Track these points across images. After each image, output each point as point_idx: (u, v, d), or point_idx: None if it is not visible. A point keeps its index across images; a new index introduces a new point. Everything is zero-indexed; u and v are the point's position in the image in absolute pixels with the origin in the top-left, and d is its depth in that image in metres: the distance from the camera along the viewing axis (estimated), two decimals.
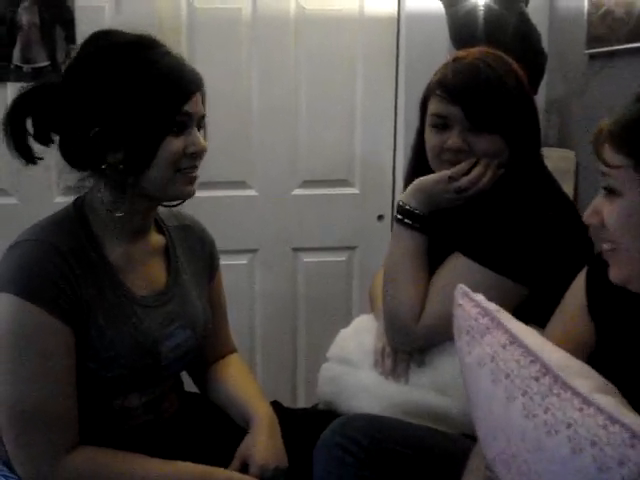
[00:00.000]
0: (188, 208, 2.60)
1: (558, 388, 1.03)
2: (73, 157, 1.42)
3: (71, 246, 1.40)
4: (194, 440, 1.57)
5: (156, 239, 1.57)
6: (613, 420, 0.97)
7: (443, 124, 1.60)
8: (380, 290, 1.75)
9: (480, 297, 1.23)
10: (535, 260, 1.53)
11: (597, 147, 1.14)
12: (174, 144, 1.40)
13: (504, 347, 1.13)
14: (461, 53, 1.66)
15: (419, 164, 1.70)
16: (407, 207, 1.62)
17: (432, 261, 1.63)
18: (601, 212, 1.15)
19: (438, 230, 1.64)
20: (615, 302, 1.24)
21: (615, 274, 1.17)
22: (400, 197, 1.65)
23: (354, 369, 1.68)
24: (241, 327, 2.82)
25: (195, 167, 1.45)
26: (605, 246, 1.17)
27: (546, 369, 1.06)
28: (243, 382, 1.68)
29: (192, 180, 1.46)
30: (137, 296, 1.47)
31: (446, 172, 1.58)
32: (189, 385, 1.76)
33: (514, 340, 1.13)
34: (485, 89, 1.55)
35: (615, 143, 1.10)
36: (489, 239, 1.56)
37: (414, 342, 1.60)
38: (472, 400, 1.21)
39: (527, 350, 1.10)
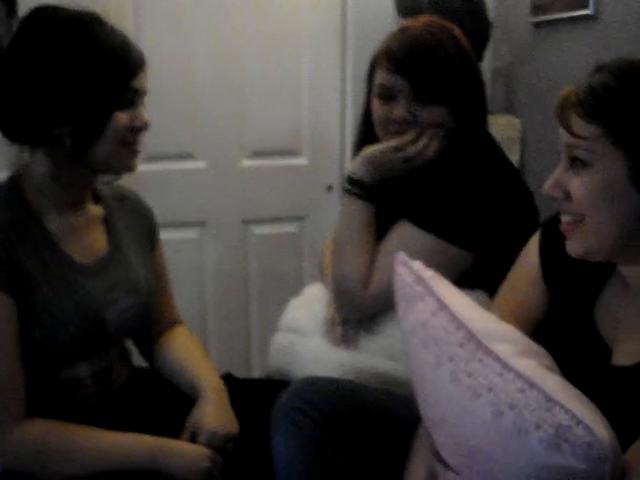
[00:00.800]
0: (137, 181, 2.57)
1: (481, 353, 1.06)
2: (16, 131, 1.42)
3: (8, 217, 1.40)
4: (144, 411, 1.57)
5: (94, 209, 1.57)
6: (530, 384, 0.99)
7: (389, 95, 1.60)
8: (329, 260, 1.76)
9: (417, 264, 1.24)
10: (480, 226, 1.55)
11: (563, 117, 1.11)
12: (121, 119, 1.41)
13: (434, 314, 1.14)
14: (407, 23, 1.66)
15: (367, 133, 1.71)
16: (354, 177, 1.63)
17: (379, 230, 1.65)
18: (564, 184, 1.12)
19: (385, 199, 1.65)
20: (568, 265, 1.24)
21: (574, 248, 1.15)
22: (348, 167, 1.66)
23: (305, 338, 1.70)
24: (192, 300, 2.81)
25: (138, 142, 1.48)
26: (567, 218, 1.15)
27: (470, 335, 1.08)
28: (190, 353, 1.68)
29: (136, 154, 1.49)
30: (78, 263, 1.48)
31: (392, 142, 1.59)
32: (137, 360, 1.76)
33: (443, 306, 1.14)
34: (430, 60, 1.56)
35: (586, 113, 1.07)
36: (434, 206, 1.57)
37: (362, 310, 1.62)
38: (409, 366, 1.23)
39: (453, 317, 1.12)
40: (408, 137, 1.58)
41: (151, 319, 1.66)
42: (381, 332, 1.62)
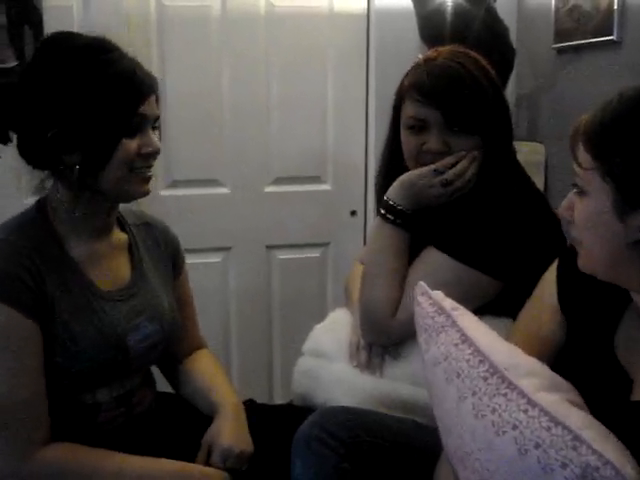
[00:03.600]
0: (161, 207, 2.62)
1: (505, 388, 1.04)
2: (31, 157, 1.44)
3: (34, 244, 1.41)
4: (166, 436, 1.57)
5: (119, 236, 1.59)
6: (556, 422, 0.97)
7: (421, 126, 1.60)
8: (355, 284, 1.76)
9: (438, 294, 1.23)
10: (508, 254, 1.54)
11: (573, 145, 1.14)
12: (129, 145, 1.42)
13: (456, 346, 1.14)
14: (431, 53, 1.65)
15: (392, 164, 1.71)
16: (391, 202, 1.62)
17: (410, 257, 1.64)
18: (573, 207, 1.15)
19: (417, 225, 1.65)
20: (586, 294, 1.25)
21: (581, 264, 1.18)
22: (387, 193, 1.64)
23: (329, 362, 1.69)
24: (216, 325, 2.82)
25: (150, 167, 1.48)
26: (572, 239, 1.19)
27: (494, 369, 1.07)
28: (210, 374, 1.70)
29: (147, 179, 1.49)
30: (102, 291, 1.49)
31: (431, 165, 1.59)
32: (163, 386, 1.77)
33: (466, 339, 1.13)
34: (461, 91, 1.56)
35: (586, 144, 1.10)
36: (463, 233, 1.57)
37: (388, 337, 1.61)
38: (431, 397, 1.22)
39: (477, 349, 1.11)
40: (448, 160, 1.58)
41: (175, 344, 1.67)
42: (405, 358, 1.61)
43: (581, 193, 1.13)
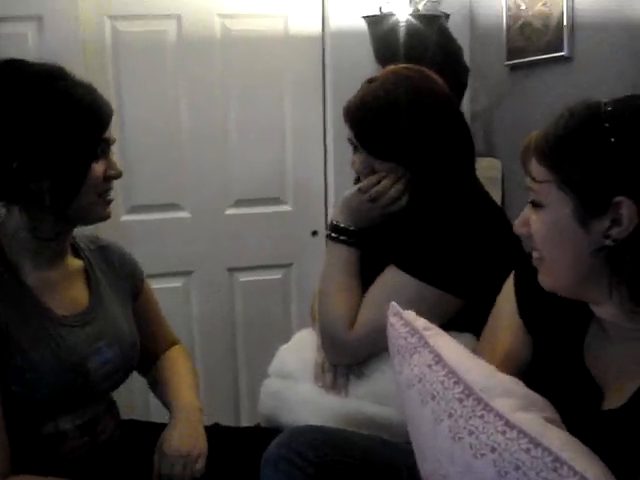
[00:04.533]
0: (122, 232, 2.60)
1: (481, 410, 1.04)
2: None
3: None
4: (130, 464, 1.56)
5: (73, 262, 1.58)
6: (535, 443, 0.97)
7: (354, 146, 1.66)
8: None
9: (410, 315, 1.24)
10: (469, 271, 1.55)
11: (524, 160, 1.16)
12: (97, 170, 1.44)
13: (430, 367, 1.13)
14: (377, 74, 1.68)
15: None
16: (335, 222, 1.67)
17: (368, 276, 1.65)
18: (529, 222, 1.17)
19: (373, 245, 1.67)
20: (548, 307, 1.26)
21: (543, 281, 1.20)
22: (332, 214, 1.68)
23: (295, 383, 1.69)
24: None
25: (111, 190, 1.51)
26: (534, 254, 1.19)
27: (469, 390, 1.07)
28: (174, 376, 1.71)
29: (109, 203, 1.52)
30: (59, 316, 1.47)
31: (357, 185, 1.65)
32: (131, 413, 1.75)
33: (439, 360, 1.13)
34: (376, 118, 1.58)
35: (540, 157, 1.12)
36: (422, 252, 1.58)
37: (347, 354, 1.62)
38: (406, 420, 1.21)
39: (451, 370, 1.11)
40: (370, 180, 1.62)
41: (147, 349, 1.69)
42: (369, 377, 1.61)
43: (537, 206, 1.14)
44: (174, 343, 1.83)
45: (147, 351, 1.70)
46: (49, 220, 1.44)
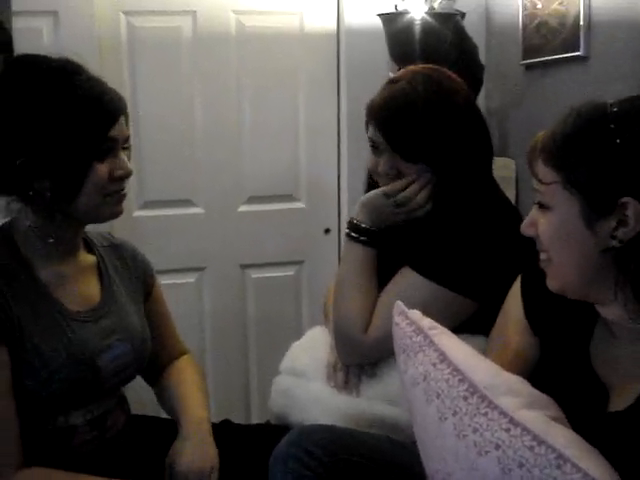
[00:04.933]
0: (135, 228, 2.60)
1: (485, 407, 1.04)
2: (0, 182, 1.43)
3: None
4: (140, 458, 1.56)
5: (86, 258, 1.58)
6: (539, 440, 0.97)
7: (375, 147, 1.63)
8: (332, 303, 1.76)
9: (416, 314, 1.23)
10: (483, 274, 1.54)
11: (531, 161, 1.17)
12: (101, 170, 1.42)
13: (435, 366, 1.13)
14: (396, 75, 1.66)
15: (371, 183, 1.72)
16: (354, 221, 1.65)
17: (384, 276, 1.64)
18: (536, 224, 1.17)
19: (389, 246, 1.66)
20: (554, 308, 1.26)
21: (550, 284, 1.20)
22: (346, 210, 1.67)
23: (306, 381, 1.68)
24: (191, 346, 2.75)
25: (123, 188, 1.48)
26: (542, 256, 1.20)
27: (474, 388, 1.07)
28: (182, 387, 1.68)
29: (121, 200, 1.49)
30: (71, 312, 1.47)
31: (383, 189, 1.61)
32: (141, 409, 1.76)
33: (444, 358, 1.13)
34: (405, 118, 1.56)
35: (546, 158, 1.13)
36: (437, 254, 1.57)
37: (360, 354, 1.61)
38: (412, 418, 1.21)
39: (456, 369, 1.11)
40: (398, 185, 1.60)
41: (154, 357, 1.67)
42: (381, 378, 1.61)
43: (544, 208, 1.15)
44: (183, 353, 1.80)
45: (155, 358, 1.68)
46: (57, 219, 1.44)
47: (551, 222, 1.14)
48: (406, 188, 1.59)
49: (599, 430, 1.07)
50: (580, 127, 1.10)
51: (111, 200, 1.46)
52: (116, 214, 1.50)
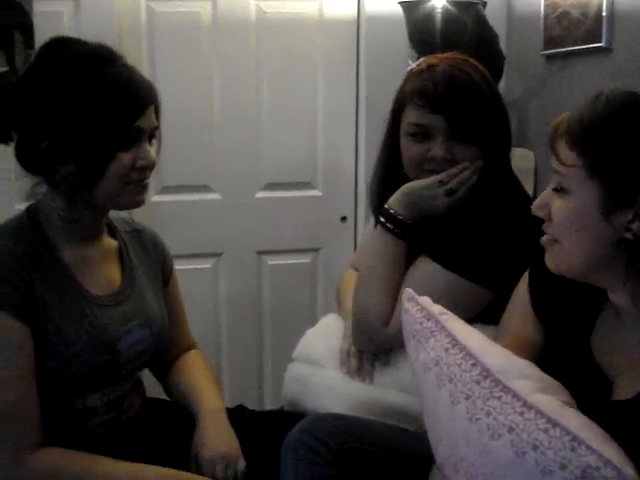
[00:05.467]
0: (152, 213, 2.61)
1: (499, 391, 1.04)
2: (26, 163, 1.44)
3: (25, 249, 1.41)
4: (156, 441, 1.57)
5: (109, 242, 1.59)
6: (553, 423, 0.97)
7: (424, 133, 1.59)
8: (347, 291, 1.76)
9: (426, 300, 1.23)
10: (500, 265, 1.53)
11: (553, 143, 1.15)
12: (124, 159, 1.41)
13: (447, 351, 1.13)
14: (432, 60, 1.64)
15: (389, 172, 1.70)
16: (392, 211, 1.61)
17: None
18: (549, 205, 1.16)
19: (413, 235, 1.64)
20: (559, 297, 1.26)
21: (548, 263, 1.19)
22: (388, 201, 1.63)
23: (320, 369, 1.69)
24: (206, 331, 2.82)
25: (145, 178, 1.47)
26: (546, 238, 1.18)
27: (486, 372, 1.07)
28: (195, 376, 1.69)
29: (142, 190, 1.48)
30: (93, 295, 1.48)
31: (436, 176, 1.57)
32: (155, 391, 1.77)
33: (456, 343, 1.13)
34: (467, 99, 1.55)
35: (571, 141, 1.11)
36: (456, 244, 1.57)
37: (379, 346, 1.61)
38: (422, 404, 1.21)
39: (468, 353, 1.11)
40: (453, 171, 1.57)
41: (165, 348, 1.67)
42: (395, 366, 1.61)
43: (562, 191, 1.13)
44: (192, 346, 1.80)
45: (165, 349, 1.68)
46: (80, 204, 1.44)
47: (567, 206, 1.12)
48: (459, 174, 1.57)
49: (604, 418, 1.06)
50: (610, 113, 1.08)
51: (132, 189, 1.45)
52: (137, 203, 1.49)
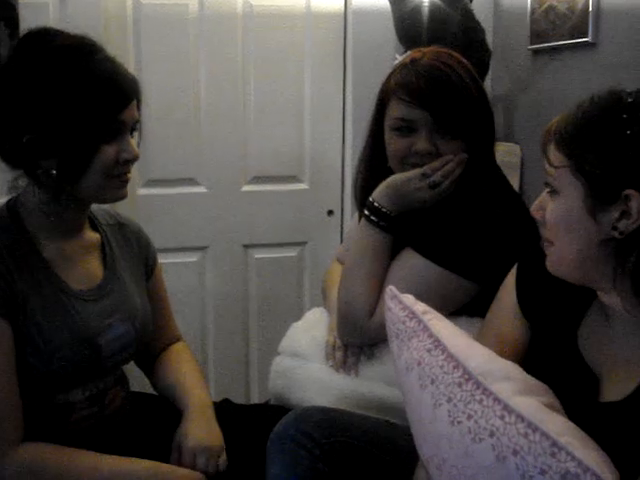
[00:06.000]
0: (138, 206, 2.60)
1: (480, 394, 1.04)
2: (7, 157, 1.42)
3: (4, 243, 1.40)
4: (138, 435, 1.57)
5: (90, 236, 1.57)
6: (533, 428, 0.97)
7: (408, 127, 1.60)
8: (332, 284, 1.76)
9: (409, 298, 1.23)
10: (484, 257, 1.54)
11: (544, 145, 1.17)
12: (107, 152, 1.40)
13: (429, 352, 1.13)
14: (416, 54, 1.64)
15: (374, 166, 1.71)
16: (376, 204, 1.61)
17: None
18: (544, 208, 1.18)
19: (397, 228, 1.65)
20: (546, 295, 1.27)
21: (549, 266, 1.20)
22: (372, 194, 1.63)
23: (305, 362, 1.69)
24: (192, 325, 2.81)
25: (127, 172, 1.47)
26: (544, 241, 1.20)
27: (468, 375, 1.07)
28: (181, 372, 1.68)
29: (125, 183, 1.48)
30: (74, 290, 1.47)
31: (419, 169, 1.58)
32: (140, 386, 1.77)
33: (438, 344, 1.13)
34: (450, 93, 1.56)
35: (558, 143, 1.13)
36: (440, 236, 1.57)
37: (364, 338, 1.61)
38: (405, 402, 1.21)
39: (450, 355, 1.11)
40: (436, 163, 1.57)
41: (150, 340, 1.67)
42: (380, 359, 1.61)
43: (553, 192, 1.15)
44: (178, 339, 1.80)
45: (151, 342, 1.68)
46: (62, 198, 1.43)
47: (557, 207, 1.14)
48: (442, 167, 1.58)
49: (592, 419, 1.07)
50: (592, 115, 1.10)
51: (115, 182, 1.44)
52: (120, 197, 1.48)
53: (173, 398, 1.63)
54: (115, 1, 2.63)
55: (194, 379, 1.66)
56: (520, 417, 0.99)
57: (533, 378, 1.10)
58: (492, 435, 0.99)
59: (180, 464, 1.46)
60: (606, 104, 1.10)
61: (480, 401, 1.03)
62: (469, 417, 1.03)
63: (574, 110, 1.13)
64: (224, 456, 1.49)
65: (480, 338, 1.34)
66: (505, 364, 1.11)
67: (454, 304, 1.53)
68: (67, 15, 2.50)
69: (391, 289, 1.26)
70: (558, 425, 0.98)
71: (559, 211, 1.14)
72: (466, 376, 1.07)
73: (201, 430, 1.51)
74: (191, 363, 1.73)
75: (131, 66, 2.61)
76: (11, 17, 2.42)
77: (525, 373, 1.11)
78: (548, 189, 1.17)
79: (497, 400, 1.02)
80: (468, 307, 1.55)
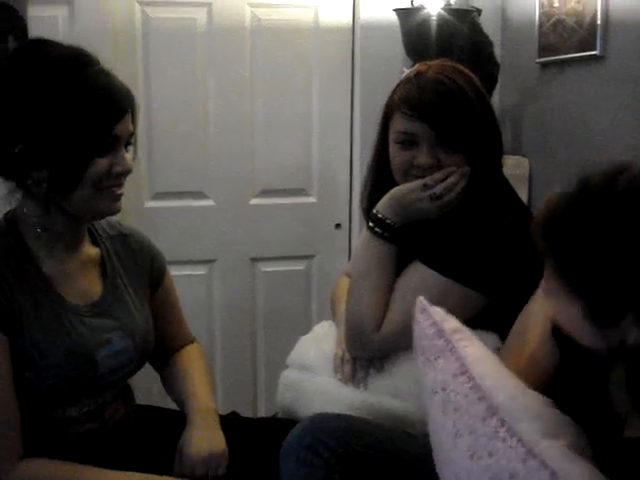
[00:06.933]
0: (146, 218, 2.61)
1: (504, 432, 1.01)
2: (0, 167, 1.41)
3: (3, 256, 1.39)
4: (139, 449, 1.56)
5: (89, 251, 1.55)
6: (556, 477, 0.93)
7: (410, 141, 1.60)
8: (341, 297, 1.76)
9: (439, 313, 1.20)
10: (493, 269, 1.54)
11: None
12: (100, 165, 1.38)
13: (455, 377, 1.11)
14: (421, 67, 1.64)
15: (380, 179, 1.70)
16: (380, 215, 1.61)
17: (397, 270, 1.63)
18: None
19: (404, 240, 1.64)
20: None
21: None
22: (376, 206, 1.63)
23: (313, 375, 1.68)
24: (200, 337, 2.76)
25: (120, 185, 1.44)
26: None
27: (493, 409, 1.04)
28: (189, 375, 1.68)
29: (117, 197, 1.45)
30: (72, 305, 1.46)
31: (421, 180, 1.58)
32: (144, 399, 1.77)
33: (465, 370, 1.11)
34: (452, 107, 1.56)
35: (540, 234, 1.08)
36: (448, 248, 1.57)
37: (371, 350, 1.61)
38: (429, 421, 1.19)
39: (476, 385, 1.08)
40: (438, 175, 1.57)
41: (163, 346, 1.68)
42: (389, 372, 1.60)
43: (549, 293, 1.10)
44: (191, 341, 1.79)
45: (163, 346, 1.68)
46: (51, 210, 1.41)
47: (559, 311, 1.09)
48: (445, 179, 1.57)
49: (614, 456, 1.04)
50: (575, 217, 1.04)
51: (105, 195, 1.42)
52: (112, 211, 1.46)
53: (179, 401, 1.64)
54: (124, 15, 2.64)
55: (201, 384, 1.66)
56: (543, 464, 0.95)
57: (562, 414, 1.07)
58: (512, 478, 0.96)
59: (181, 471, 1.47)
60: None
61: (503, 440, 1.00)
62: (490, 455, 1.00)
63: (558, 199, 1.06)
64: (224, 464, 1.49)
65: (505, 354, 1.32)
66: (533, 399, 1.07)
67: (462, 315, 1.51)
68: (76, 28, 2.52)
69: (421, 301, 1.24)
70: (583, 475, 0.95)
71: (563, 316, 1.09)
72: (491, 410, 1.04)
73: (202, 437, 1.51)
74: (199, 368, 1.73)
75: (139, 79, 2.62)
76: (20, 30, 2.43)
77: (555, 409, 1.07)
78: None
79: (521, 442, 0.99)
80: (482, 321, 1.53)
